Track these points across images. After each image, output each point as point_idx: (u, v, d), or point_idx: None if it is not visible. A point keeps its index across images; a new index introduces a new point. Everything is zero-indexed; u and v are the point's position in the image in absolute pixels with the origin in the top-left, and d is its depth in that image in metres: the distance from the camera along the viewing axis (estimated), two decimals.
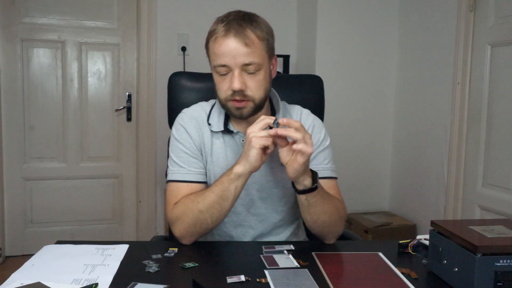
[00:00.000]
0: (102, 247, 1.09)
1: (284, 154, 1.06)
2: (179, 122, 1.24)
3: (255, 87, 1.12)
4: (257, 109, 1.16)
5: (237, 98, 1.12)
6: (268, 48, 1.15)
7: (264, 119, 1.05)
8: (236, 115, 1.15)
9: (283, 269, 0.98)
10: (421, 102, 2.89)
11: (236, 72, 1.10)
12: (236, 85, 1.10)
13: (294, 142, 1.02)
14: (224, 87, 1.13)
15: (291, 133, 1.01)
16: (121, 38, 3.05)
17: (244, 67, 1.10)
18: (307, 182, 1.07)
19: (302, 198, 1.10)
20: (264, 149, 1.06)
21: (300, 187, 1.08)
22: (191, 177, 1.18)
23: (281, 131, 1.02)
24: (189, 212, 1.12)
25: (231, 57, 1.09)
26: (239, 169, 1.08)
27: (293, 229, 1.30)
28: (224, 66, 1.11)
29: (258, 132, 1.04)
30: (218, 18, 1.15)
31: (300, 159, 1.02)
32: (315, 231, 1.18)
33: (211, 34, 1.14)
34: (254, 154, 1.04)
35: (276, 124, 1.05)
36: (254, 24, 1.12)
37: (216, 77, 1.15)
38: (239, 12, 1.15)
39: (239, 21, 1.11)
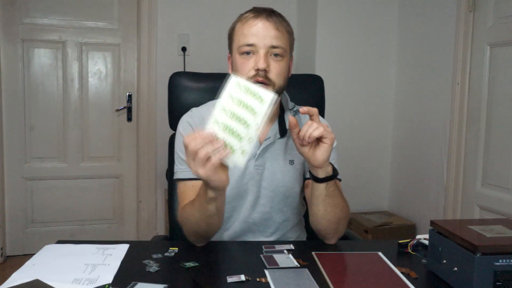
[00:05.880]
0: (103, 247, 1.09)
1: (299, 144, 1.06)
2: (186, 120, 1.25)
3: (277, 72, 1.14)
4: None
5: (260, 78, 1.12)
6: (290, 43, 1.18)
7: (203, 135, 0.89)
8: None
9: (283, 268, 0.98)
10: (420, 102, 2.90)
11: (262, 52, 1.12)
12: (262, 64, 1.11)
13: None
14: (247, 68, 1.13)
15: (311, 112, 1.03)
16: (122, 39, 3.06)
17: (271, 49, 1.12)
18: (329, 168, 1.09)
19: (321, 187, 1.09)
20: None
21: (322, 174, 1.08)
22: None
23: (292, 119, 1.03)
24: (188, 221, 1.10)
25: (261, 37, 1.11)
26: (211, 194, 0.99)
27: (296, 229, 1.30)
28: (251, 45, 1.12)
29: (208, 152, 0.87)
30: (242, 13, 1.19)
31: (328, 141, 1.02)
32: (322, 227, 1.15)
33: (238, 19, 1.17)
34: (216, 179, 0.93)
35: (294, 112, 1.05)
36: (282, 17, 1.17)
37: (238, 59, 1.16)
38: (265, 7, 1.19)
39: (269, 12, 1.15)
